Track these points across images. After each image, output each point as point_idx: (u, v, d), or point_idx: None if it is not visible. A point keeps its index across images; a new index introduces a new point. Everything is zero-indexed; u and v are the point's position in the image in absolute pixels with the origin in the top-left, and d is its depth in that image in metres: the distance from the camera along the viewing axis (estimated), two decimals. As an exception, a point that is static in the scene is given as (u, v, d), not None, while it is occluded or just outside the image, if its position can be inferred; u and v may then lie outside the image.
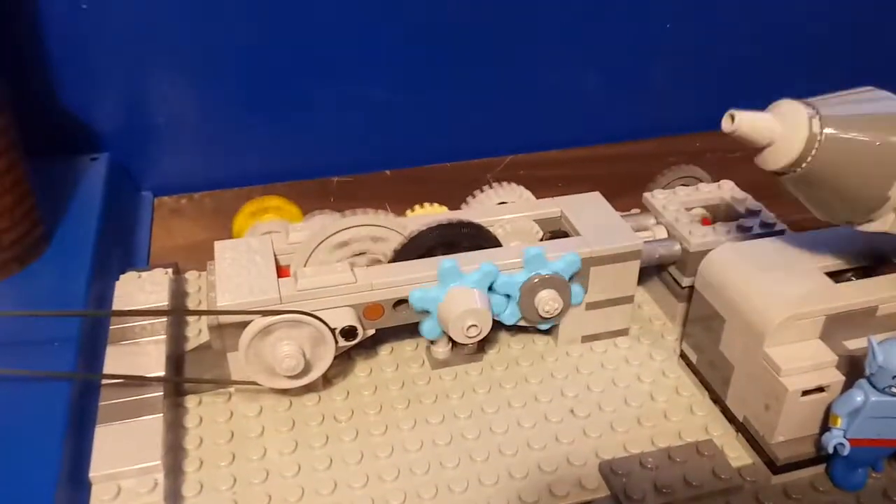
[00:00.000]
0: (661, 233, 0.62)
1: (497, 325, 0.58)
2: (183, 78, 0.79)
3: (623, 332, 0.62)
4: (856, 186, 0.45)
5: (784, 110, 0.44)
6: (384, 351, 0.60)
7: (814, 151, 0.43)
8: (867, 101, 0.45)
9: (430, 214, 0.61)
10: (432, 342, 0.58)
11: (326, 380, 0.57)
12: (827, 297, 0.49)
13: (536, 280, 0.55)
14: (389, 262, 0.57)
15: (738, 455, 0.51)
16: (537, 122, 0.91)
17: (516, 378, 0.58)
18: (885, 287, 0.50)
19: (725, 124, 0.43)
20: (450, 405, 0.56)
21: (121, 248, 0.69)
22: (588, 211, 0.62)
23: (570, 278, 0.56)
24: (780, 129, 0.43)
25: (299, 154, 0.85)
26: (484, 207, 0.63)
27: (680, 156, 0.82)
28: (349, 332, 0.52)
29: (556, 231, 0.61)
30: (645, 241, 0.60)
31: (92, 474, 0.45)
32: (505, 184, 0.65)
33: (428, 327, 0.55)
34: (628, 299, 0.60)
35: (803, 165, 0.43)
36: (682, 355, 0.59)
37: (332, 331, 0.52)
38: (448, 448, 0.52)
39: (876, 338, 0.45)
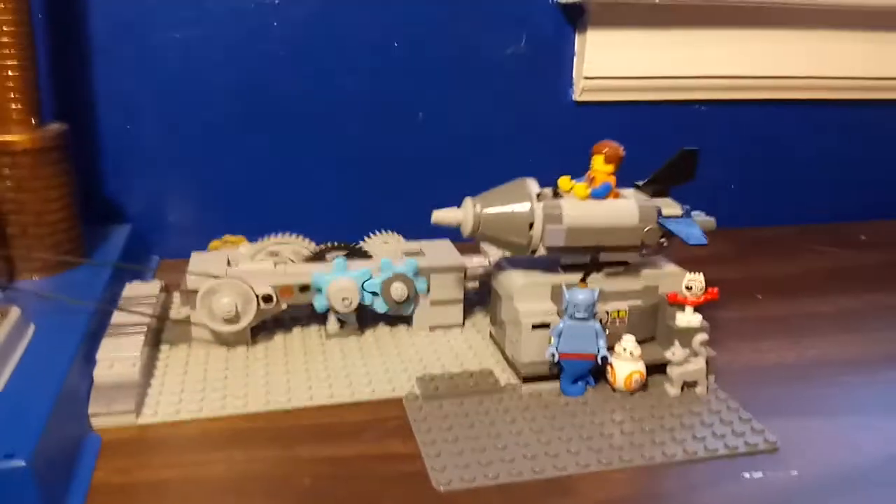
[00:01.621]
0: (486, 262, 0.95)
1: (375, 318, 0.90)
2: (190, 188, 1.16)
3: (458, 325, 0.92)
4: (510, 234, 0.78)
5: (465, 204, 0.79)
6: (296, 330, 0.91)
7: (480, 221, 0.77)
8: (508, 187, 0.79)
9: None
10: (326, 323, 0.89)
11: (254, 341, 0.87)
12: (551, 277, 0.81)
13: (391, 277, 0.87)
14: (301, 266, 0.89)
15: (507, 377, 0.80)
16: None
17: (382, 344, 0.88)
18: (593, 275, 0.82)
19: (432, 218, 0.78)
20: (333, 355, 0.85)
21: (131, 274, 1.00)
22: (439, 248, 0.94)
23: (415, 275, 0.88)
24: (459, 215, 0.78)
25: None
26: (373, 242, 0.96)
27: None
28: (267, 298, 0.84)
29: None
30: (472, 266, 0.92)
31: (98, 356, 0.75)
32: (388, 233, 0.99)
33: (318, 302, 0.86)
34: (458, 301, 0.91)
35: (479, 230, 0.77)
36: (491, 335, 0.89)
37: (257, 295, 0.83)
38: (326, 373, 0.81)
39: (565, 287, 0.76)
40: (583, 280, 0.76)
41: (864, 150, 1.41)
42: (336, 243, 0.91)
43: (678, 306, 0.81)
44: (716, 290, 0.80)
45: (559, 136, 1.26)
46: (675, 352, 0.77)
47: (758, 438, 0.71)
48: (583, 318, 0.75)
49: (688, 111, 1.30)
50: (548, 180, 1.29)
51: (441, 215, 0.79)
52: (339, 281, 0.85)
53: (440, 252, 0.93)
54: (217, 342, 0.85)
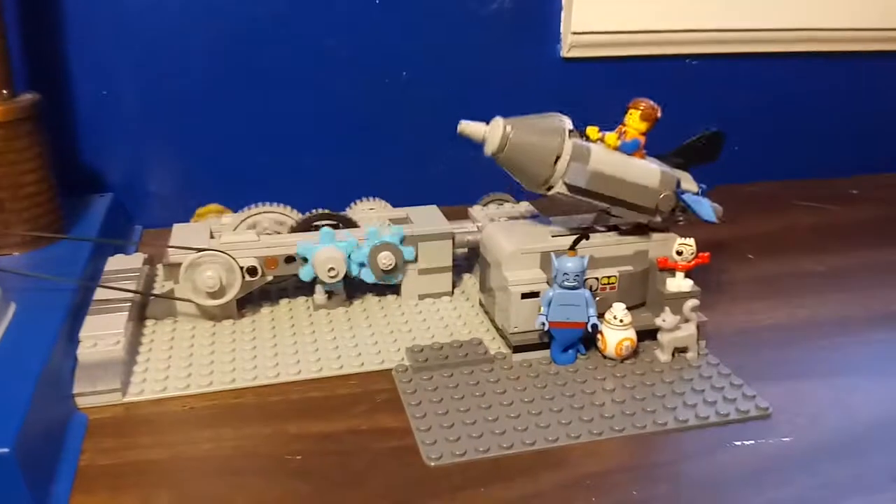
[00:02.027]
0: (473, 229, 0.93)
1: (363, 287, 0.88)
2: (171, 155, 1.14)
3: (447, 293, 0.91)
4: (533, 163, 0.76)
5: (493, 122, 0.77)
6: (283, 302, 0.89)
7: (507, 143, 0.75)
8: (541, 117, 0.78)
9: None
10: (314, 294, 0.87)
11: (241, 314, 0.86)
12: (541, 242, 0.79)
13: (377, 245, 0.85)
14: (286, 236, 0.88)
15: (498, 348, 0.80)
16: (430, 185, 1.24)
17: (371, 314, 0.87)
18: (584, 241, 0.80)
19: (459, 127, 0.76)
20: (321, 326, 0.84)
21: (113, 249, 0.98)
22: (425, 214, 0.93)
23: (402, 243, 0.86)
24: (486, 130, 0.75)
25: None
26: (357, 209, 0.94)
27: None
28: (252, 270, 0.82)
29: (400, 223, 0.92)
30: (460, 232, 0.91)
31: (81, 334, 0.73)
32: (374, 199, 0.97)
33: (304, 272, 0.85)
34: (448, 269, 0.90)
35: (503, 152, 0.75)
36: (481, 302, 0.88)
37: (241, 268, 0.81)
38: (312, 345, 0.80)
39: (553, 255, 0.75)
40: (572, 248, 0.74)
41: (854, 104, 1.39)
42: (321, 211, 0.89)
43: (669, 271, 0.80)
44: (707, 254, 0.79)
45: (547, 94, 1.23)
46: (666, 318, 0.76)
47: (749, 405, 0.70)
48: (572, 287, 0.74)
49: (678, 66, 1.27)
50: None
51: (468, 127, 0.77)
52: (325, 251, 0.83)
53: (427, 219, 0.91)
54: (203, 316, 0.84)
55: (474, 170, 1.23)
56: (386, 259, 0.85)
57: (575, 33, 1.18)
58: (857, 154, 1.41)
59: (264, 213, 0.89)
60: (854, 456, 0.65)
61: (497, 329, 0.82)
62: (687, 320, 0.77)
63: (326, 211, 0.90)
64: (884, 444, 0.67)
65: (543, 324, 0.75)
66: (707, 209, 0.80)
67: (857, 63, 1.35)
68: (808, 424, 0.69)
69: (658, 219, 0.80)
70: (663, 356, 0.77)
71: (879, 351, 0.82)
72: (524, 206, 0.97)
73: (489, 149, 0.76)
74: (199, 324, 0.83)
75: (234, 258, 0.81)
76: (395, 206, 0.96)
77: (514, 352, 0.78)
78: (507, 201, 0.99)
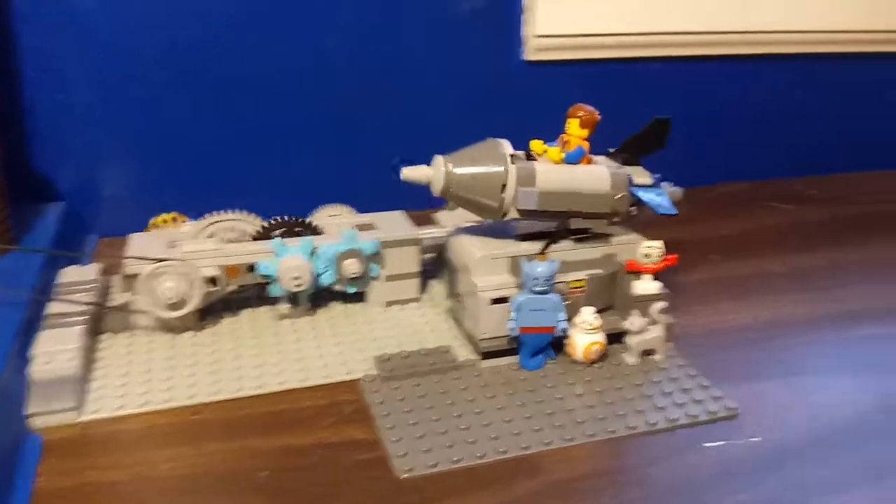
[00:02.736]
0: (439, 233, 0.92)
1: (329, 296, 0.87)
2: (127, 161, 1.10)
3: (415, 300, 0.89)
4: (481, 196, 0.75)
5: (435, 162, 0.75)
6: (245, 313, 0.87)
7: (452, 182, 0.74)
8: (480, 147, 0.76)
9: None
10: (277, 301, 0.85)
11: (202, 326, 0.83)
12: (510, 247, 0.79)
13: (343, 252, 0.84)
14: (248, 245, 0.85)
15: (466, 354, 0.79)
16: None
17: (335, 323, 0.85)
18: (553, 245, 0.80)
19: (402, 177, 0.75)
20: (284, 337, 0.82)
21: (66, 261, 0.95)
22: (391, 220, 0.91)
23: (369, 257, 0.85)
24: (429, 173, 0.74)
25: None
26: (320, 216, 0.93)
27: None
28: (213, 280, 0.80)
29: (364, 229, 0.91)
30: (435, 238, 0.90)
31: (34, 351, 0.70)
32: (338, 205, 0.95)
33: (273, 289, 0.82)
34: (415, 274, 0.89)
35: (451, 190, 0.74)
36: (449, 308, 0.87)
37: (201, 278, 0.79)
38: (278, 356, 0.78)
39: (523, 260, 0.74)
40: (542, 252, 0.74)
41: (811, 105, 1.41)
42: (283, 219, 0.87)
43: (636, 274, 0.80)
44: (674, 256, 0.79)
45: (510, 99, 1.23)
46: (634, 321, 0.76)
47: (718, 406, 0.71)
48: (542, 291, 0.73)
49: (641, 69, 1.28)
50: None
51: (411, 173, 0.76)
52: (290, 259, 0.81)
53: (393, 224, 0.90)
54: (162, 329, 0.81)
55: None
56: (352, 266, 0.84)
57: (538, 36, 1.18)
58: (814, 155, 1.43)
59: (225, 221, 0.87)
60: (822, 455, 0.66)
61: (466, 335, 0.81)
62: (655, 322, 0.77)
63: (289, 218, 0.88)
64: (850, 443, 0.67)
65: (513, 329, 0.74)
66: (664, 202, 0.80)
67: (812, 65, 1.37)
68: (774, 424, 0.69)
69: (617, 220, 0.80)
70: (631, 359, 0.77)
71: (842, 350, 0.83)
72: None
73: (436, 189, 0.75)
74: (158, 337, 0.81)
75: (194, 268, 0.79)
76: (361, 211, 0.95)
77: (483, 358, 0.77)
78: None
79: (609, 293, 0.82)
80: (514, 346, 0.77)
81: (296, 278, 0.81)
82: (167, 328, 0.81)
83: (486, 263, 0.77)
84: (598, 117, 0.77)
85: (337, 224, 0.90)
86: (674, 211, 0.80)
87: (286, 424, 0.68)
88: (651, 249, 0.78)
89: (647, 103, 1.28)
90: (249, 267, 0.82)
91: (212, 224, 0.86)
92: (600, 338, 0.76)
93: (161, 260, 0.78)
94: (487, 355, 0.77)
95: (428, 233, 0.91)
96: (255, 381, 0.74)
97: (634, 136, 0.82)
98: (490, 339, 0.76)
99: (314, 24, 1.11)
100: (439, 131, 1.21)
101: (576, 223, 0.79)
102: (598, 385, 0.74)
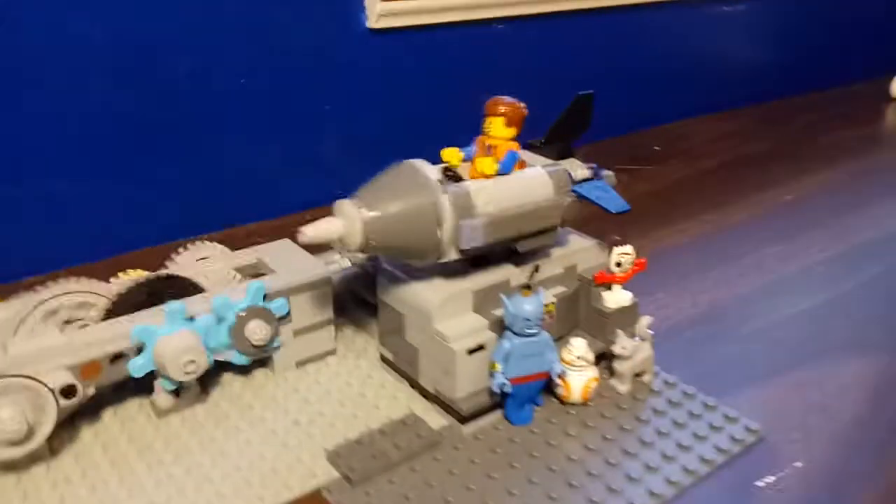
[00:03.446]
0: (346, 264, 0.73)
1: (218, 368, 0.65)
2: None
3: (331, 353, 0.71)
4: (414, 241, 0.58)
5: (342, 209, 0.57)
6: (107, 414, 0.63)
7: (372, 231, 0.56)
8: (394, 176, 0.59)
9: (133, 277, 0.65)
10: (153, 395, 0.62)
11: (52, 450, 0.58)
12: (470, 280, 0.63)
13: (241, 315, 0.62)
14: (99, 322, 0.60)
15: (435, 420, 0.62)
16: (224, 200, 0.99)
17: (241, 408, 0.64)
18: (509, 267, 0.65)
19: (301, 238, 0.56)
20: (181, 443, 0.59)
21: None
22: (281, 254, 0.71)
23: (270, 303, 0.64)
24: (342, 224, 0.56)
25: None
26: (185, 263, 0.69)
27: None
28: (68, 391, 0.55)
29: (255, 275, 0.69)
30: (334, 273, 0.70)
31: None
32: (200, 242, 0.72)
33: (139, 364, 0.59)
34: (328, 322, 0.69)
35: (371, 242, 0.56)
36: (382, 358, 0.69)
37: (51, 391, 0.54)
38: (186, 478, 0.56)
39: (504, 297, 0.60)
40: (527, 286, 0.59)
41: (641, 58, 1.39)
42: (143, 276, 0.63)
43: (605, 285, 0.68)
44: (643, 259, 0.68)
45: (355, 72, 1.04)
46: (625, 343, 0.65)
47: (738, 429, 0.62)
48: (533, 333, 0.59)
49: (487, 31, 1.15)
50: (354, 129, 1.07)
51: (315, 232, 0.56)
52: (172, 339, 0.59)
53: (288, 260, 0.70)
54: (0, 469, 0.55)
55: (289, 177, 1.02)
56: (259, 331, 0.63)
57: (385, 0, 1.00)
58: (652, 108, 1.42)
59: (58, 295, 0.60)
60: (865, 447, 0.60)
61: (422, 392, 0.64)
62: (643, 339, 0.67)
63: (148, 274, 0.64)
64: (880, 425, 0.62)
65: (504, 384, 0.59)
66: (614, 197, 0.69)
67: (642, 14, 1.35)
68: (803, 436, 0.63)
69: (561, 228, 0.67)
70: (623, 387, 0.66)
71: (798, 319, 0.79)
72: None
73: (353, 243, 0.57)
74: (-9, 485, 0.55)
75: (37, 379, 0.53)
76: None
77: (463, 423, 0.61)
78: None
79: (574, 312, 0.70)
80: (496, 399, 0.62)
81: (189, 363, 0.59)
82: (9, 468, 0.55)
83: (449, 306, 0.61)
84: (525, 111, 0.63)
85: (214, 271, 0.67)
86: (627, 207, 0.70)
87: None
88: (624, 256, 0.67)
89: (494, 66, 1.17)
90: (114, 357, 0.58)
91: (40, 302, 0.60)
92: (595, 373, 0.64)
93: (-15, 380, 0.51)
94: (469, 418, 0.61)
95: (331, 265, 0.72)
96: (175, 528, 0.52)
97: (559, 121, 0.70)
98: (470, 396, 0.61)
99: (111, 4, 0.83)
100: (279, 124, 1.01)
101: (524, 245, 0.64)
102: (607, 430, 0.62)
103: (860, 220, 1.04)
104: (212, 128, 0.95)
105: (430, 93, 1.12)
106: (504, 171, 0.62)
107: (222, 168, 0.98)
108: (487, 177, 0.62)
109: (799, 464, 0.59)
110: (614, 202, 0.70)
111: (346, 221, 0.56)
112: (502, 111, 0.62)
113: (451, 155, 0.62)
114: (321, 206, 1.03)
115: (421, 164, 0.60)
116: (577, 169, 0.71)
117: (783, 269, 0.90)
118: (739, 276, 0.88)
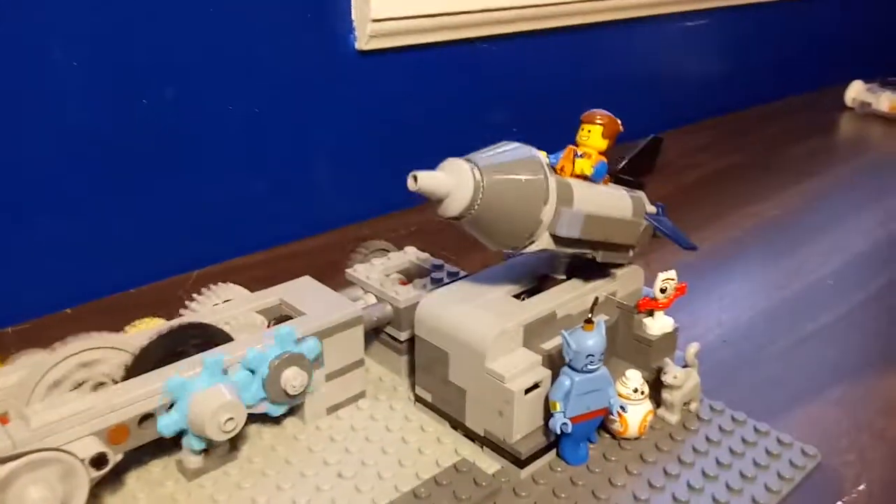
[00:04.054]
0: (371, 300, 0.69)
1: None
2: None
3: (361, 395, 0.66)
4: (516, 216, 0.55)
5: (451, 167, 0.53)
6: (131, 479, 0.57)
7: (480, 195, 0.52)
8: (508, 150, 0.56)
9: (152, 327, 0.60)
10: (182, 454, 0.57)
11: (76, 527, 0.52)
12: (520, 313, 0.60)
13: (276, 364, 0.58)
14: (121, 380, 0.55)
15: (488, 464, 0.59)
16: (215, 234, 0.93)
17: (278, 464, 0.59)
18: (556, 296, 0.63)
19: (410, 184, 0.51)
20: (220, 509, 0.54)
21: None
22: (304, 293, 0.66)
23: (298, 343, 0.60)
24: (452, 182, 0.52)
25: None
26: (204, 310, 0.64)
27: (354, 242, 0.91)
28: (100, 460, 0.49)
29: (280, 317, 0.64)
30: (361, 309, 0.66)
31: None
32: (215, 285, 0.67)
33: (168, 421, 0.53)
34: (359, 363, 0.65)
35: (475, 208, 0.53)
36: (418, 399, 0.65)
37: (82, 461, 0.48)
38: (231, 548, 0.51)
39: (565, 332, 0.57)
40: (589, 321, 0.56)
41: (639, 70, 1.39)
42: (161, 325, 0.58)
43: (646, 312, 0.66)
44: (684, 284, 0.67)
45: (344, 95, 1.00)
46: (676, 372, 0.63)
47: (795, 454, 0.61)
48: (594, 369, 0.56)
49: (476, 50, 1.13)
50: (345, 154, 1.03)
51: (426, 181, 0.51)
52: (209, 395, 0.53)
53: (313, 299, 0.65)
54: (19, 560, 0.49)
55: (278, 206, 0.97)
56: (296, 379, 0.58)
57: (375, 21, 0.96)
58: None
59: (74, 356, 0.54)
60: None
61: (469, 433, 0.61)
62: (691, 367, 0.65)
63: (170, 323, 0.58)
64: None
65: (565, 424, 0.56)
66: (681, 235, 0.67)
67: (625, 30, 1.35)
68: (857, 458, 0.62)
69: (631, 254, 0.66)
70: (673, 417, 0.64)
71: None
72: (414, 254, 0.75)
73: (459, 204, 0.53)
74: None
75: (66, 451, 0.47)
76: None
77: (522, 467, 0.58)
78: (389, 250, 0.76)
79: (612, 342, 0.67)
80: (551, 439, 0.59)
81: (228, 420, 0.54)
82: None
83: (502, 342, 0.58)
84: (622, 128, 0.61)
85: (236, 316, 0.62)
86: (694, 245, 0.68)
87: None
88: (668, 282, 0.65)
89: (482, 85, 1.15)
90: (143, 418, 0.53)
91: (55, 367, 0.53)
92: (651, 405, 0.61)
93: (10, 458, 0.45)
94: (526, 461, 0.58)
95: (363, 302, 0.68)
96: None
97: (636, 155, 0.68)
98: (526, 438, 0.58)
99: (88, 27, 0.77)
100: (266, 149, 0.96)
101: (605, 256, 0.63)
102: (667, 465, 0.59)
103: (848, 233, 1.05)
104: (198, 157, 0.90)
105: (421, 113, 1.09)
106: (596, 178, 0.60)
107: (211, 198, 0.92)
108: (585, 178, 0.60)
109: (863, 486, 0.58)
110: (684, 238, 0.68)
111: (459, 179, 0.52)
112: (602, 122, 0.61)
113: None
114: (314, 234, 1.01)
115: (530, 147, 0.57)
116: (647, 204, 0.69)
117: (792, 284, 0.90)
118: (754, 294, 0.88)
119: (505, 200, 0.54)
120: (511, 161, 0.55)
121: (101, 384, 0.55)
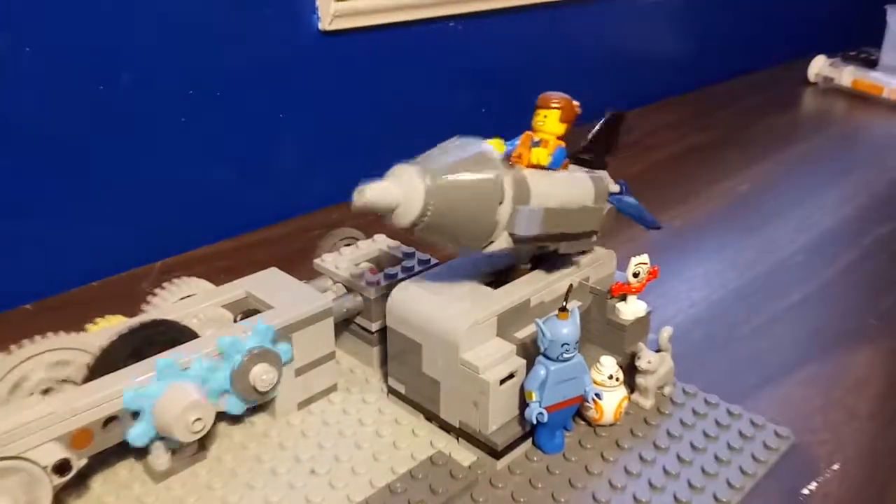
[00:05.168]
0: (340, 290, 0.68)
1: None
2: None
3: (333, 389, 0.65)
4: (472, 219, 0.53)
5: (399, 174, 0.51)
6: (96, 483, 0.55)
7: (432, 202, 0.50)
8: (457, 148, 0.54)
9: (114, 325, 0.58)
10: (148, 455, 0.55)
11: (40, 534, 0.50)
12: (493, 303, 0.59)
13: (245, 359, 0.56)
14: (83, 382, 0.53)
15: (464, 456, 0.58)
16: (177, 224, 0.91)
17: (248, 461, 0.57)
18: (528, 284, 0.62)
19: (356, 199, 0.49)
20: (190, 510, 0.53)
21: None
22: (271, 285, 0.65)
23: (275, 343, 0.58)
24: (401, 192, 0.50)
25: None
26: (167, 305, 0.62)
27: (323, 228, 0.89)
28: (62, 467, 0.48)
29: (247, 311, 0.63)
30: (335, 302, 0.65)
31: None
32: (178, 279, 0.65)
33: (138, 432, 0.52)
34: (330, 356, 0.64)
35: (428, 215, 0.50)
36: (391, 390, 0.64)
37: (44, 468, 0.46)
38: (203, 551, 0.50)
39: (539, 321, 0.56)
40: (563, 309, 0.55)
41: (607, 47, 1.38)
42: (122, 323, 0.56)
43: (620, 297, 0.66)
44: (656, 268, 0.66)
45: (308, 76, 0.98)
46: (650, 357, 0.63)
47: (768, 435, 0.61)
48: (569, 357, 0.56)
49: (442, 29, 1.11)
50: (310, 137, 1.01)
51: (375, 194, 0.49)
52: (175, 395, 0.52)
53: (283, 292, 0.63)
54: (-20, 573, 0.47)
55: (244, 192, 0.94)
56: (265, 376, 0.57)
57: (339, 0, 0.94)
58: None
59: (31, 358, 0.52)
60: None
61: (442, 425, 0.60)
62: (665, 351, 0.65)
63: (131, 321, 0.57)
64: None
65: (541, 414, 0.55)
66: (646, 213, 0.67)
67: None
68: (832, 437, 0.62)
69: (594, 239, 0.65)
70: (647, 401, 0.64)
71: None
72: (384, 242, 0.74)
73: (409, 215, 0.50)
74: (-26, 586, 0.47)
75: (27, 459, 0.46)
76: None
77: (498, 458, 0.57)
78: (358, 238, 0.74)
79: (586, 326, 0.67)
80: (527, 429, 0.58)
81: (196, 421, 0.52)
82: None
83: (476, 333, 0.57)
84: (579, 110, 0.60)
85: (201, 311, 0.60)
86: (659, 224, 0.68)
87: None
88: (640, 267, 0.64)
89: (450, 65, 1.13)
90: (107, 420, 0.51)
91: (13, 370, 0.51)
92: (625, 391, 0.61)
93: (-33, 469, 0.43)
94: (502, 452, 0.57)
95: (333, 294, 0.66)
96: None
97: (596, 132, 0.67)
98: (502, 429, 0.57)
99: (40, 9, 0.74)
100: (227, 134, 0.93)
101: (566, 247, 0.61)
102: (642, 451, 0.59)
103: (814, 209, 1.06)
104: (158, 143, 0.87)
105: (387, 94, 1.07)
106: (553, 167, 0.59)
107: (173, 187, 0.89)
108: (541, 168, 0.58)
109: (837, 466, 0.59)
110: (649, 218, 0.67)
111: (408, 189, 0.50)
112: (559, 105, 0.58)
113: (495, 145, 0.58)
114: (281, 220, 0.99)
115: (477, 141, 0.55)
116: (610, 184, 0.68)
117: (763, 262, 0.90)
118: (724, 272, 0.88)
119: (458, 205, 0.52)
120: (461, 161, 0.53)
121: (64, 383, 0.53)
